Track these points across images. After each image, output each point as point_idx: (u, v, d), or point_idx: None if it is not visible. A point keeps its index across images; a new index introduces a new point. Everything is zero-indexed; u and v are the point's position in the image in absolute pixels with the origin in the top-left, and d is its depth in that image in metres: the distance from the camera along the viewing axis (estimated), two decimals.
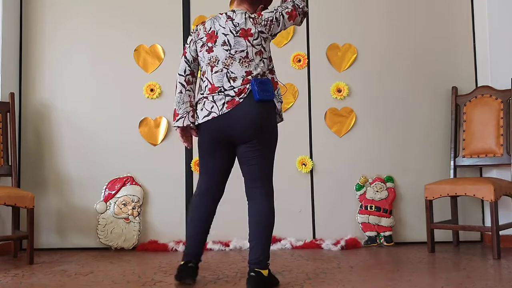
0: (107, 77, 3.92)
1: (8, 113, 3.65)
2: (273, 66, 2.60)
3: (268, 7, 2.65)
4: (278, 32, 2.58)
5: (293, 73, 3.89)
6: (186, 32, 3.92)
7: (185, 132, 2.63)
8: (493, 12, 3.74)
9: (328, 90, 3.88)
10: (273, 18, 2.52)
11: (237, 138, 2.47)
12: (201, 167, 2.62)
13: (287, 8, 2.56)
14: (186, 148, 3.42)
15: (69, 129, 3.88)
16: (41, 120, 3.90)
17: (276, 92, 2.54)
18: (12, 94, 3.68)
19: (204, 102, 2.50)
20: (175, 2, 3.95)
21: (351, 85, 3.89)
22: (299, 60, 3.89)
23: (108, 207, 3.78)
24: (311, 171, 3.83)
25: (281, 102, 2.57)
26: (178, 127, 2.58)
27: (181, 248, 3.62)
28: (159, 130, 3.87)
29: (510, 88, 3.56)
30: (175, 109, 2.56)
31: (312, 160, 3.83)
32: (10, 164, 3.60)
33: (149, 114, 3.89)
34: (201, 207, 2.59)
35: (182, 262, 2.55)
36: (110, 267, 3.09)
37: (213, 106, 2.46)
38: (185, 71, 2.57)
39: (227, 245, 3.66)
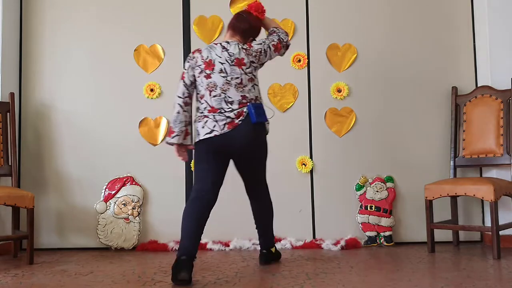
0: (107, 77, 3.92)
1: (8, 113, 3.65)
2: (259, 90, 2.93)
3: (256, 39, 3.02)
4: (265, 62, 2.97)
5: (293, 73, 3.89)
6: (186, 32, 3.92)
7: (180, 147, 2.89)
8: (493, 12, 3.74)
9: (328, 90, 3.88)
10: (262, 50, 2.90)
11: (235, 153, 2.85)
12: (197, 174, 2.85)
13: (273, 41, 2.97)
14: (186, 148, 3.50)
15: (69, 129, 3.88)
16: (41, 120, 3.90)
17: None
18: (12, 94, 3.68)
19: (206, 120, 2.78)
20: (175, 2, 3.95)
21: (351, 85, 3.89)
22: (299, 60, 3.89)
23: (108, 207, 3.78)
24: (311, 171, 3.83)
25: (268, 123, 2.94)
26: (173, 144, 2.83)
27: None
28: (159, 130, 3.87)
29: (510, 88, 3.56)
30: (171, 126, 2.83)
31: (312, 160, 3.83)
32: (10, 164, 3.60)
33: (149, 114, 3.89)
34: (195, 211, 2.72)
35: (176, 257, 2.60)
36: (110, 267, 3.09)
37: (215, 125, 2.76)
38: (183, 94, 2.84)
39: (227, 245, 3.67)
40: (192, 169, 3.79)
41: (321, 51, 3.92)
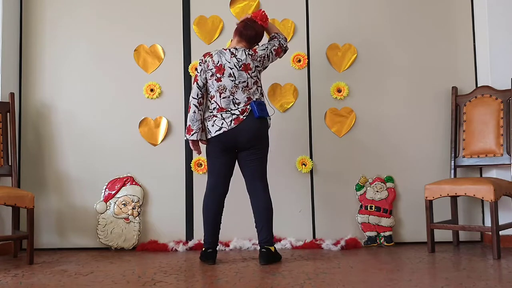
0: (107, 77, 3.92)
1: (8, 113, 3.65)
2: (262, 91, 3.25)
3: (259, 44, 3.31)
4: (267, 65, 3.28)
5: (293, 73, 3.89)
6: (186, 32, 3.92)
7: (196, 142, 3.21)
8: (493, 12, 3.74)
9: (328, 90, 3.88)
10: (265, 55, 3.23)
11: (241, 146, 3.14)
12: (209, 168, 3.24)
13: (275, 46, 3.28)
14: (185, 148, 3.82)
15: (69, 129, 3.88)
16: (41, 120, 3.90)
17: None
18: (12, 94, 3.68)
19: (214, 120, 3.13)
20: (175, 2, 3.95)
21: (351, 85, 3.89)
22: (299, 60, 3.89)
23: (108, 207, 3.78)
24: (311, 171, 3.83)
25: (270, 119, 3.25)
26: (192, 140, 3.16)
27: (181, 248, 3.64)
28: (159, 130, 3.87)
29: (510, 88, 3.56)
30: (189, 125, 3.15)
31: (312, 160, 3.83)
32: (10, 164, 3.60)
33: (149, 114, 3.89)
34: (211, 201, 3.18)
35: (203, 249, 3.19)
36: (110, 267, 3.09)
37: (222, 122, 3.11)
38: (197, 95, 3.17)
39: (227, 245, 3.66)
40: (192, 169, 3.81)
41: (321, 51, 3.92)
